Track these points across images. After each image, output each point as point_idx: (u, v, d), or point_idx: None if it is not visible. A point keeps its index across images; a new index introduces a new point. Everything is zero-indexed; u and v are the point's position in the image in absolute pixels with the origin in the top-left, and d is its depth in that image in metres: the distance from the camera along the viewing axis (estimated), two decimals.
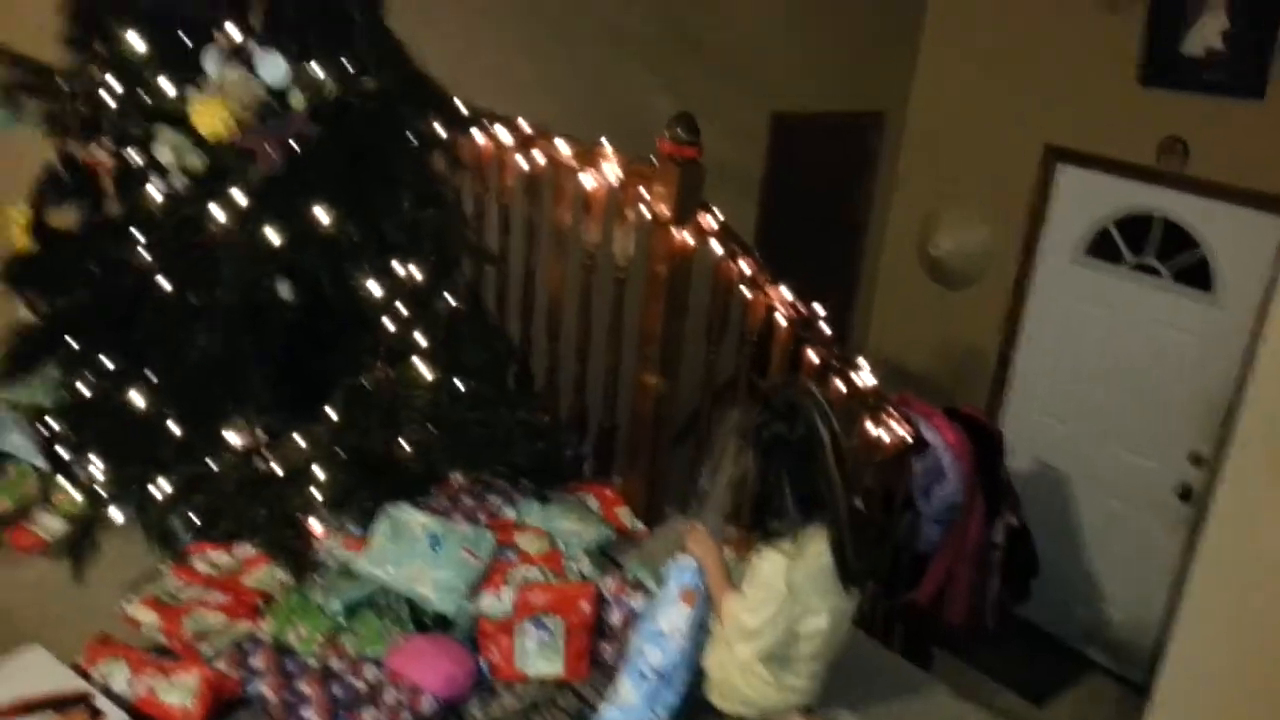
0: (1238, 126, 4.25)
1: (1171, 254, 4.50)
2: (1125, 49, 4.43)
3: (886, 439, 3.51)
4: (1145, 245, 4.58)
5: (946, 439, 3.65)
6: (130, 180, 2.40)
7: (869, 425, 3.46)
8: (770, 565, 2.08)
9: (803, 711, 2.31)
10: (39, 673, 2.09)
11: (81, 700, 2.02)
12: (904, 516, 3.78)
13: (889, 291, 5.49)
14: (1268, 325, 2.30)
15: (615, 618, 2.45)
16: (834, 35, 4.82)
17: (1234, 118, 4.25)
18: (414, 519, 2.54)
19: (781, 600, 2.07)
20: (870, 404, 3.43)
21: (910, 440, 3.55)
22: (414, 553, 2.47)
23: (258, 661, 2.21)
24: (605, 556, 2.75)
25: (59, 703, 2.01)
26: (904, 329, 5.41)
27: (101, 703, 2.02)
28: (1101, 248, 4.71)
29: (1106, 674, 4.64)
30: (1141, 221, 4.59)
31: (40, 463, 2.74)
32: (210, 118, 2.18)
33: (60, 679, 2.08)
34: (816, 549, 2.08)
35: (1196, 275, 4.40)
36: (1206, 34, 4.25)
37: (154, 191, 2.37)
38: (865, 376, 3.35)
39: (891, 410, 3.52)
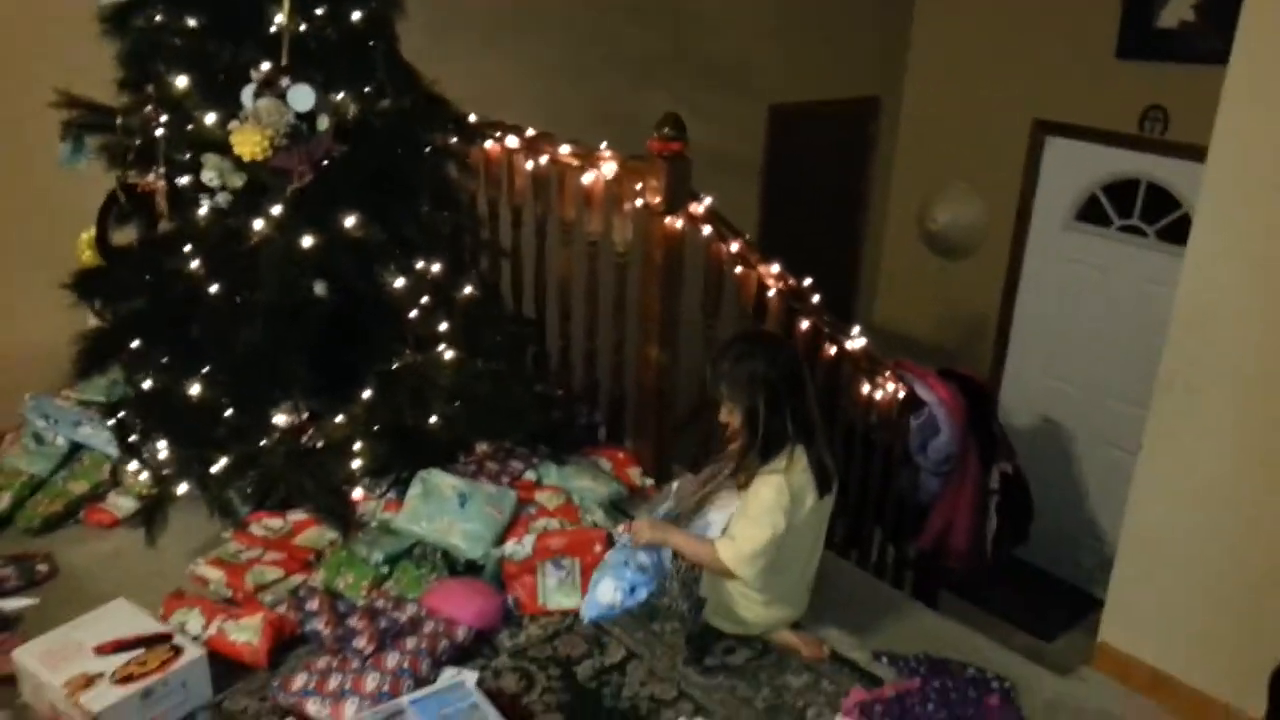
0: (1213, 92, 4.45)
1: (1156, 215, 4.72)
2: (1104, 25, 4.67)
3: (881, 398, 3.79)
4: (1131, 208, 4.80)
5: (939, 395, 3.91)
6: (181, 200, 2.73)
7: (864, 386, 3.74)
8: (770, 487, 2.39)
9: (792, 628, 2.60)
10: (127, 619, 2.41)
11: (165, 639, 2.35)
12: (904, 471, 4.05)
13: (891, 266, 5.75)
14: (1184, 269, 2.55)
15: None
16: (826, 27, 5.09)
17: (1209, 83, 4.44)
18: (444, 481, 2.87)
19: (785, 511, 2.38)
20: (864, 366, 3.71)
21: (904, 397, 3.82)
22: (445, 510, 2.79)
23: (312, 605, 2.54)
24: (616, 509, 3.05)
25: (147, 641, 2.34)
26: (907, 300, 5.67)
27: (181, 641, 2.35)
28: (1090, 213, 4.94)
29: None
30: (1127, 186, 4.81)
31: (111, 450, 3.11)
32: (248, 143, 2.51)
33: (145, 624, 2.41)
34: (800, 458, 2.42)
35: (1180, 233, 4.60)
36: (1178, 7, 4.48)
37: (201, 209, 2.70)
38: (857, 341, 3.63)
39: (886, 372, 3.80)
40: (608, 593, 2.46)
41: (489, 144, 3.41)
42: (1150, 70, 4.59)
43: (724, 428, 2.53)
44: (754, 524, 2.39)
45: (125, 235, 2.91)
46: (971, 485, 4.12)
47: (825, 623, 2.69)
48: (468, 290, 3.11)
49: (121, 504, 3.06)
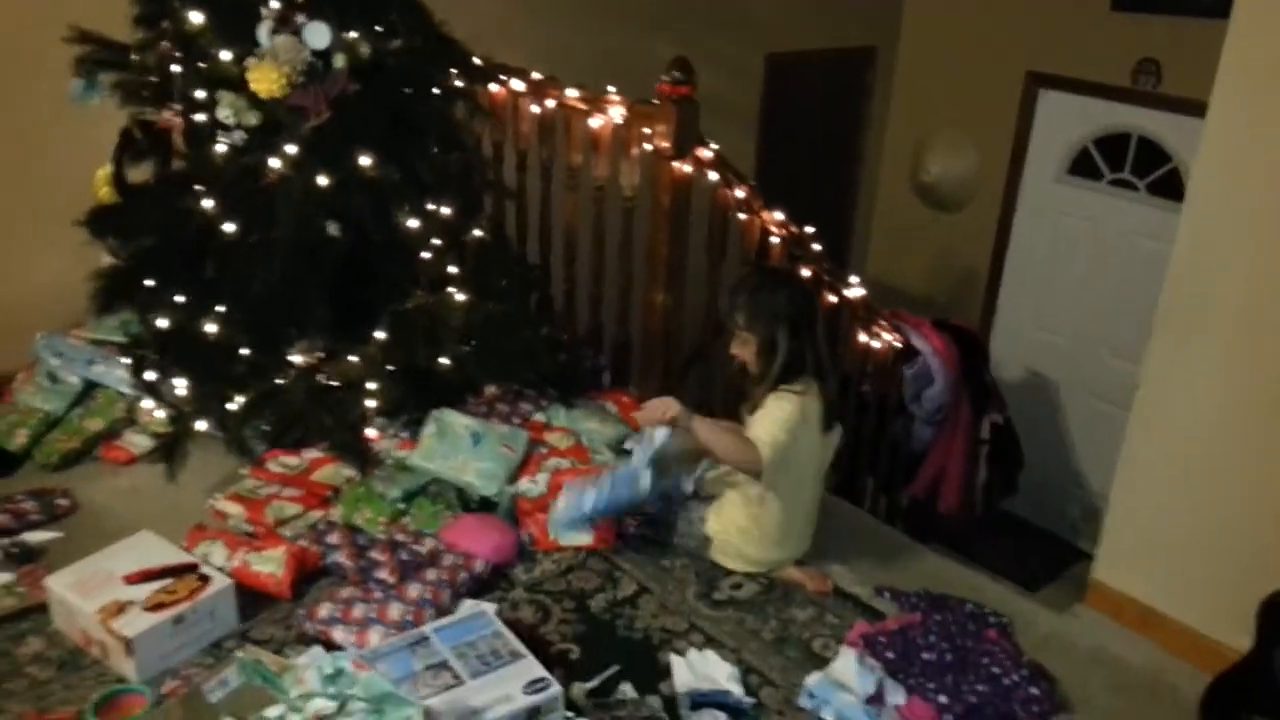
0: (1207, 45, 4.50)
1: (1147, 169, 4.79)
2: None
3: (878, 347, 3.87)
4: (1123, 162, 4.87)
5: (934, 345, 4.00)
6: (197, 138, 2.75)
7: (861, 334, 3.81)
8: (789, 401, 2.50)
9: (796, 565, 2.70)
10: (153, 550, 2.47)
11: (192, 569, 2.41)
12: (898, 420, 4.14)
13: (885, 217, 5.81)
14: (1184, 210, 2.62)
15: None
16: None
17: (1203, 37, 4.49)
18: (457, 420, 2.93)
19: (800, 421, 2.49)
20: (861, 315, 3.78)
21: (900, 347, 3.90)
22: (459, 448, 2.86)
23: (333, 539, 2.61)
24: (624, 451, 3.12)
25: (174, 571, 2.40)
26: (900, 252, 5.73)
27: (208, 570, 2.42)
28: (1081, 166, 5.01)
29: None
30: (1118, 139, 4.88)
31: (125, 389, 3.14)
32: (265, 80, 2.53)
33: (171, 555, 2.47)
34: (814, 390, 2.53)
35: (1170, 187, 4.69)
36: None
37: (218, 147, 2.72)
38: (855, 290, 3.70)
39: (882, 321, 3.87)
40: (562, 504, 2.63)
41: (494, 87, 3.43)
42: (1144, 23, 4.63)
43: (732, 360, 2.60)
44: (772, 422, 2.48)
45: (141, 173, 2.92)
46: (963, 434, 4.23)
47: (828, 559, 2.79)
48: (477, 233, 3.15)
49: (138, 441, 3.10)
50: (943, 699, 2.20)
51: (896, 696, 2.22)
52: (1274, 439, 2.48)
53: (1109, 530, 2.85)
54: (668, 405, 2.56)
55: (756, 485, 2.58)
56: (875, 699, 2.20)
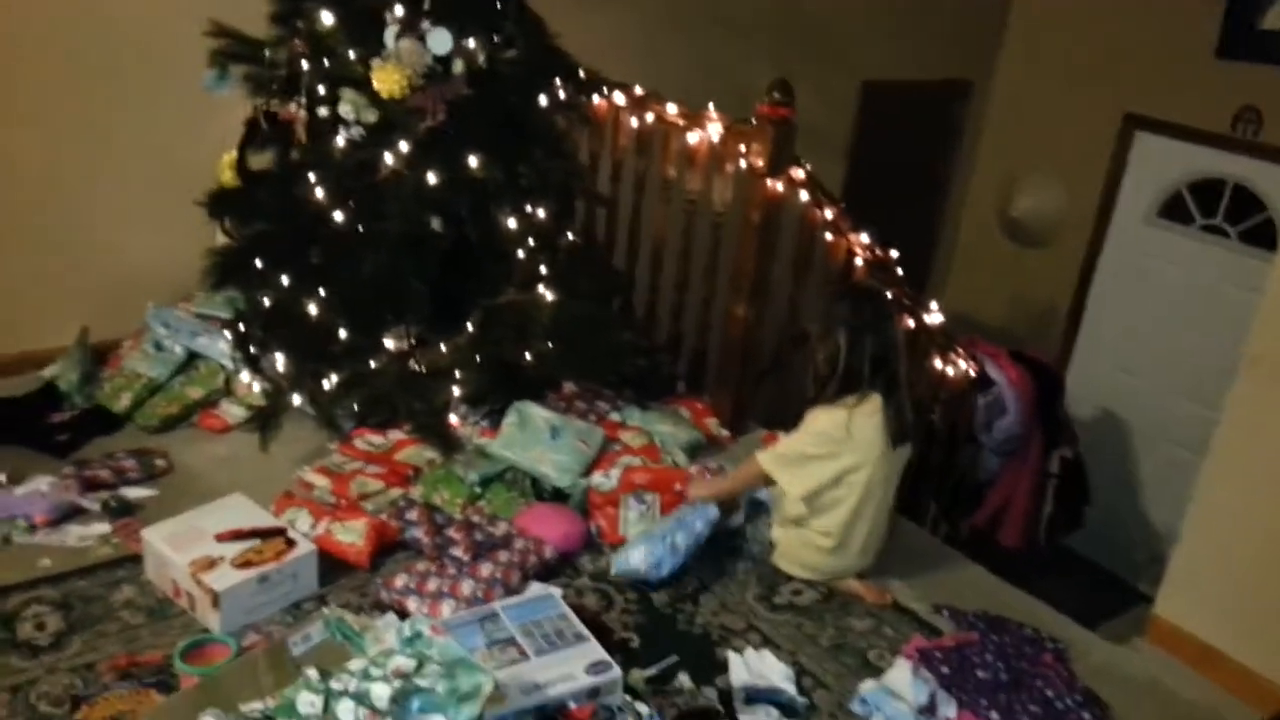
0: None
1: (1240, 217, 4.74)
2: (1204, 23, 4.67)
3: (952, 374, 3.89)
4: (1215, 208, 4.82)
5: (1009, 376, 4.01)
6: (317, 131, 2.91)
7: (937, 360, 3.84)
8: (828, 415, 2.58)
9: (857, 577, 2.75)
10: (244, 512, 2.61)
11: (280, 533, 2.55)
12: (967, 448, 4.15)
13: (968, 249, 5.81)
14: None
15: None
16: (924, 5, 5.13)
17: None
18: (537, 413, 3.05)
19: (835, 441, 2.56)
20: (939, 341, 3.82)
21: (975, 375, 3.92)
22: (537, 440, 2.97)
23: (412, 515, 2.73)
24: (696, 455, 3.21)
25: (263, 533, 2.54)
26: (981, 285, 5.73)
27: (294, 535, 2.56)
28: (1173, 210, 4.96)
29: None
30: (1212, 185, 4.83)
31: (226, 361, 3.32)
32: (389, 81, 2.68)
33: (261, 518, 2.61)
34: (874, 404, 2.58)
35: (1263, 236, 4.62)
36: None
37: (337, 140, 2.88)
38: (935, 316, 3.73)
39: (959, 348, 3.90)
40: (639, 559, 2.65)
41: (597, 99, 3.55)
42: (1248, 71, 4.59)
43: (814, 374, 2.68)
44: (797, 440, 2.60)
45: (262, 161, 3.10)
46: (1032, 467, 4.22)
47: (889, 574, 2.83)
48: (569, 237, 3.27)
49: (233, 411, 3.27)
50: (994, 715, 2.23)
51: (948, 709, 2.26)
52: None
53: (1174, 565, 2.85)
54: (693, 488, 2.82)
55: (819, 510, 2.66)
56: (928, 710, 2.25)
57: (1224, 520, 2.72)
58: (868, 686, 2.31)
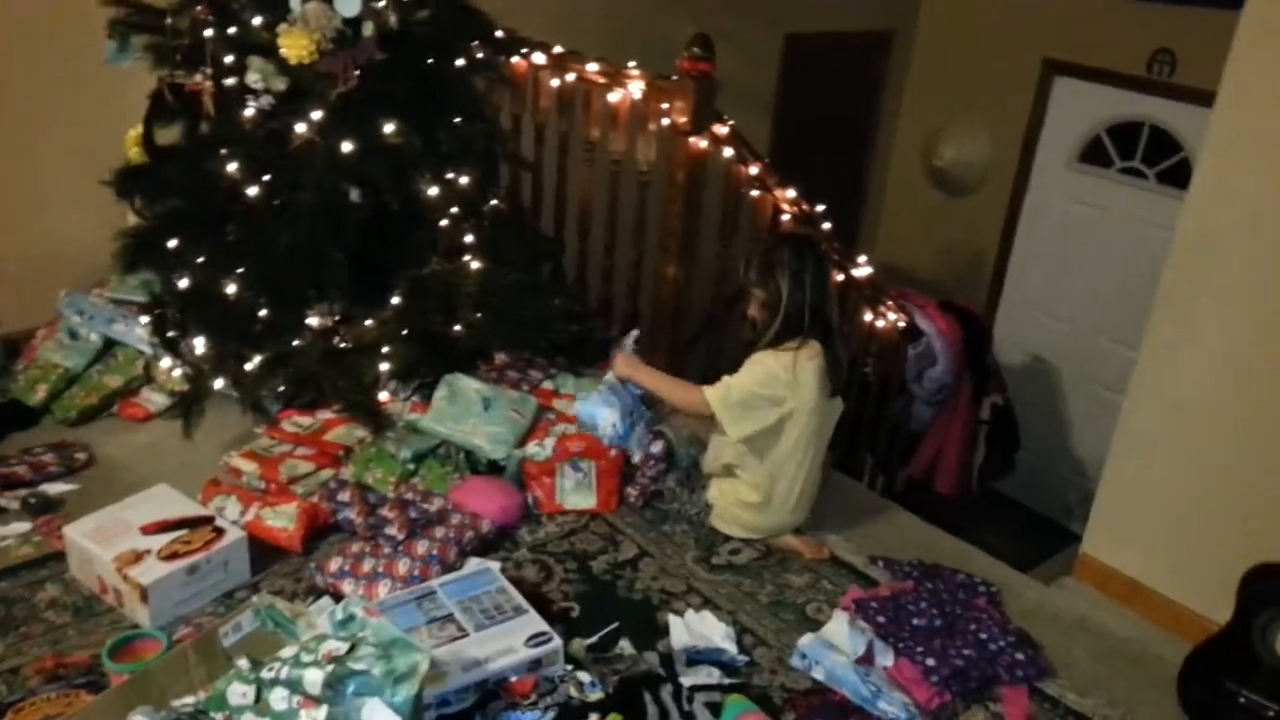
0: (1222, 36, 4.52)
1: (1157, 158, 4.82)
2: None
3: (882, 326, 3.93)
4: (1134, 150, 4.90)
5: (938, 326, 4.05)
6: (225, 102, 2.81)
7: (867, 314, 3.87)
8: (776, 359, 2.58)
9: (794, 533, 2.77)
10: (169, 502, 2.54)
11: (207, 521, 2.49)
12: (899, 400, 4.20)
13: (896, 201, 5.85)
14: (1191, 187, 2.67)
15: (636, 458, 2.92)
16: None
17: (1218, 28, 4.51)
18: (468, 385, 3.00)
19: (782, 384, 2.57)
20: (868, 293, 3.84)
21: (904, 327, 3.96)
22: (469, 412, 2.93)
23: (344, 496, 2.68)
24: None
25: (190, 523, 2.47)
26: (909, 235, 5.78)
27: (222, 523, 2.50)
28: (1093, 154, 5.04)
29: None
30: (1130, 128, 4.91)
31: (144, 347, 3.22)
32: (296, 46, 2.59)
33: (187, 507, 2.55)
34: (815, 349, 2.60)
35: (1180, 176, 4.71)
36: None
37: (246, 111, 2.78)
38: (862, 269, 3.75)
39: (888, 301, 3.93)
40: (607, 422, 2.75)
41: (515, 59, 3.48)
42: (1161, 13, 4.66)
43: (750, 323, 2.68)
44: (748, 377, 2.60)
45: (170, 135, 2.99)
46: (963, 416, 4.29)
47: (825, 529, 2.86)
48: (494, 203, 3.22)
49: (155, 399, 3.18)
50: (930, 661, 2.27)
51: (885, 658, 2.30)
52: (1266, 419, 2.53)
53: (1100, 504, 2.92)
54: (617, 364, 2.88)
55: (754, 456, 2.66)
56: (865, 660, 2.28)
57: (1144, 457, 2.79)
58: (806, 640, 2.33)
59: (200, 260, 2.95)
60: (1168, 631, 2.66)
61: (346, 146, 2.75)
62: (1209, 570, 2.52)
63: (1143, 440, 2.80)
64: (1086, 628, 2.62)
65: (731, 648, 2.33)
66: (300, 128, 2.74)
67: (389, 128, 2.79)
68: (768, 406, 2.60)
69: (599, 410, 2.84)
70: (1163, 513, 2.76)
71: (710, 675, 2.20)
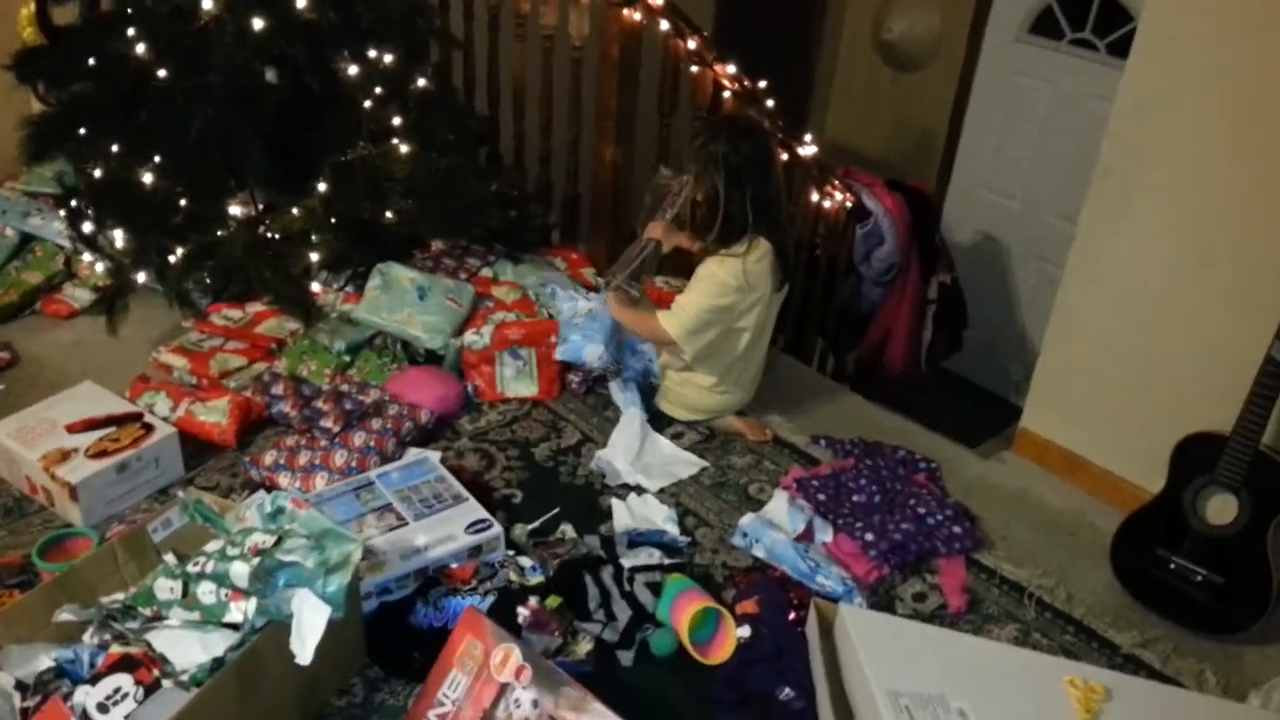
0: None
1: (1108, 29, 4.72)
2: None
3: (829, 206, 3.87)
4: (1084, 21, 4.80)
5: (885, 205, 4.00)
6: None
7: (813, 194, 3.80)
8: (724, 268, 2.48)
9: (737, 415, 2.76)
10: (95, 400, 2.48)
11: (136, 418, 2.42)
12: (848, 280, 4.18)
13: (845, 77, 5.72)
14: (1129, 61, 2.61)
15: (634, 368, 2.87)
16: None
17: None
18: (402, 274, 2.92)
19: (736, 291, 2.49)
20: (814, 173, 3.76)
21: (851, 206, 3.90)
22: (404, 302, 2.86)
23: (278, 389, 2.62)
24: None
25: (118, 420, 2.41)
26: (859, 113, 5.67)
27: (151, 420, 2.43)
28: (1043, 25, 4.92)
29: None
30: None
31: (63, 241, 3.10)
32: None
33: (114, 404, 2.48)
34: (763, 249, 2.51)
35: (1129, 47, 4.62)
36: None
37: None
38: (808, 148, 3.66)
39: (834, 180, 3.86)
40: (594, 356, 2.67)
41: None
42: None
43: (690, 215, 2.58)
44: (701, 295, 2.50)
45: (67, 14, 2.81)
46: (911, 296, 4.27)
47: (769, 410, 2.85)
48: (421, 83, 3.08)
49: (78, 295, 3.08)
50: (869, 536, 2.29)
51: (824, 534, 2.31)
52: (1200, 291, 2.53)
53: (1038, 379, 2.93)
54: (609, 303, 2.69)
55: (710, 358, 2.63)
56: (804, 537, 2.29)
57: (1081, 330, 2.79)
58: (747, 519, 2.34)
59: (113, 148, 2.80)
60: (1104, 502, 2.70)
61: (256, 23, 2.59)
62: (1144, 442, 2.55)
63: (1079, 315, 2.79)
64: (1024, 500, 2.66)
65: (673, 529, 2.34)
66: (207, 3, 2.57)
67: (301, 2, 2.63)
68: (723, 317, 2.53)
69: (582, 348, 2.73)
70: (1100, 386, 2.78)
71: (651, 556, 2.21)
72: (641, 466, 2.54)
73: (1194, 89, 2.47)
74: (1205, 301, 2.53)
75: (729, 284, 2.48)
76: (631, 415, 2.65)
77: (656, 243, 2.65)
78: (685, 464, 2.61)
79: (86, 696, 1.56)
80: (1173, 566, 2.27)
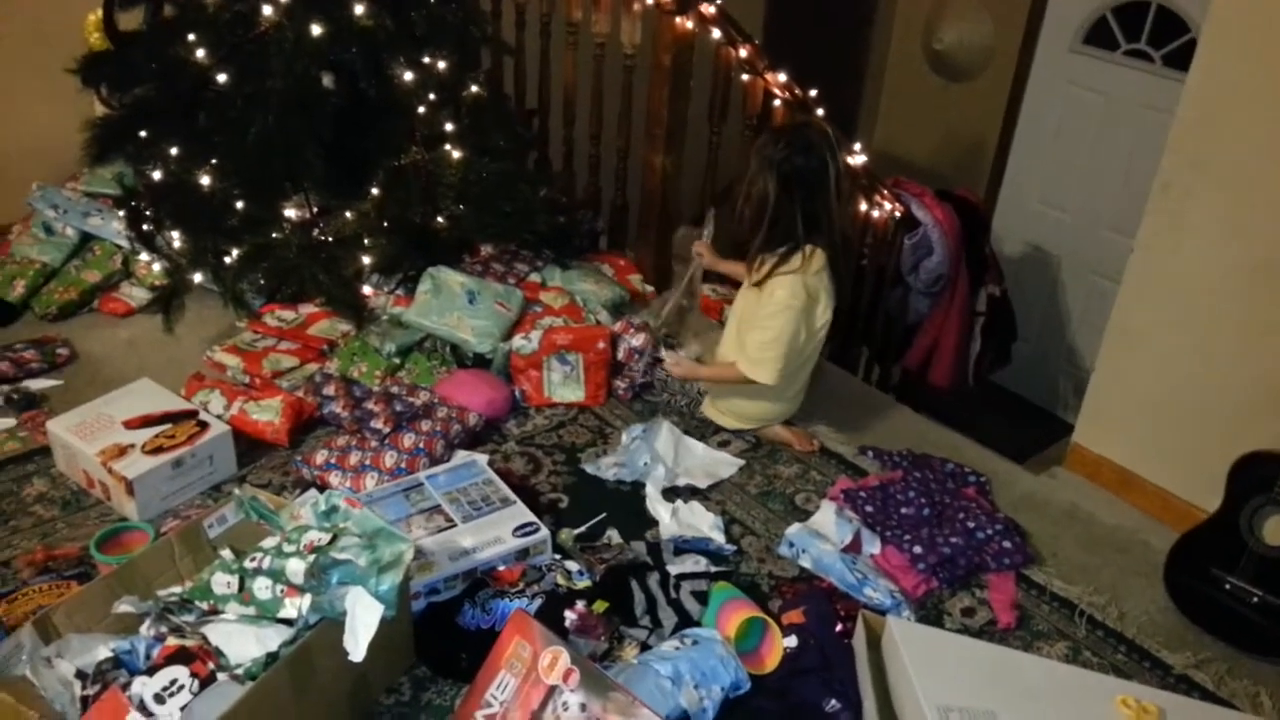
0: None
1: (1163, 40, 4.66)
2: None
3: (878, 216, 3.84)
4: (1139, 32, 4.73)
5: (935, 215, 3.96)
6: None
7: (862, 203, 3.78)
8: (783, 289, 2.47)
9: (784, 424, 2.75)
10: (152, 397, 2.52)
11: (191, 415, 2.47)
12: (895, 291, 4.14)
13: (894, 86, 5.68)
14: (1190, 73, 2.57)
15: (620, 354, 2.88)
16: None
17: None
18: (453, 278, 2.95)
19: (799, 311, 2.48)
20: (863, 182, 3.75)
21: (900, 216, 3.88)
22: (454, 305, 2.88)
23: (329, 389, 2.65)
24: (619, 312, 3.14)
25: (173, 417, 2.45)
26: (909, 122, 5.63)
27: (206, 417, 2.47)
28: (1097, 36, 4.87)
29: None
30: (1137, 8, 4.72)
31: (121, 241, 3.16)
32: None
33: (170, 402, 2.52)
34: (820, 261, 2.49)
35: (1186, 59, 4.54)
36: None
37: None
38: (857, 157, 3.65)
39: (884, 189, 3.84)
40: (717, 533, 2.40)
41: None
42: None
43: (739, 216, 2.56)
44: (765, 329, 2.49)
45: (132, 20, 2.87)
46: (960, 307, 4.22)
47: (816, 420, 2.84)
48: (474, 89, 3.11)
49: (135, 294, 3.14)
50: (917, 549, 2.27)
51: (872, 546, 2.30)
52: (1258, 307, 2.48)
53: (1092, 394, 2.89)
54: (672, 368, 2.68)
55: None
56: (851, 548, 2.28)
57: (1137, 347, 2.75)
58: (793, 529, 2.33)
59: (172, 151, 2.86)
60: (1157, 520, 2.66)
61: (315, 30, 2.63)
62: (1198, 459, 2.50)
63: (1135, 330, 2.75)
64: (1075, 516, 2.62)
65: (720, 537, 2.33)
66: (267, 10, 2.62)
67: (359, 9, 2.67)
68: (798, 338, 2.52)
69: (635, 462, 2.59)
70: (1155, 403, 2.73)
71: (697, 564, 2.21)
72: (683, 470, 2.54)
73: (1257, 103, 2.43)
74: (1265, 318, 2.48)
75: (794, 306, 2.47)
76: (658, 423, 2.65)
77: (700, 259, 2.66)
78: (725, 464, 2.60)
79: (144, 687, 1.59)
80: (1228, 587, 2.23)
